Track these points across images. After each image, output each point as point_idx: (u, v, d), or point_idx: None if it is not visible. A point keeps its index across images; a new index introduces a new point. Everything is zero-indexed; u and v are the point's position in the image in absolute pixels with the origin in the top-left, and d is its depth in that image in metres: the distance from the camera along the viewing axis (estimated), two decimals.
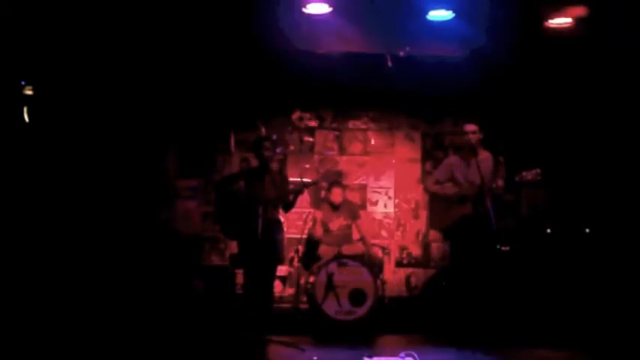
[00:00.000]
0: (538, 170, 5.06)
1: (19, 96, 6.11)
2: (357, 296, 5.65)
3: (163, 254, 6.76)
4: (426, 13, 5.38)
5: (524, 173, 5.10)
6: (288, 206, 5.43)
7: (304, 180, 5.57)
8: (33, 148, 6.03)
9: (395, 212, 7.36)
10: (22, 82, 6.13)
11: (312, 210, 6.83)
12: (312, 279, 5.80)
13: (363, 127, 7.46)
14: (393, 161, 7.42)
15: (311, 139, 7.36)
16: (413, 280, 7.25)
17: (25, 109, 6.10)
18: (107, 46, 5.91)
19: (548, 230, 6.84)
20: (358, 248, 6.31)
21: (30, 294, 5.46)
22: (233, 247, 5.87)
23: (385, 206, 7.37)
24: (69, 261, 6.03)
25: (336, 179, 5.52)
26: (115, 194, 6.62)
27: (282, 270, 6.75)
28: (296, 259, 6.28)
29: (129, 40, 5.85)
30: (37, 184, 5.99)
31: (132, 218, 6.69)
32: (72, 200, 6.30)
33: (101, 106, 6.56)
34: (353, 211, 6.54)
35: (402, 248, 7.31)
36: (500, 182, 5.21)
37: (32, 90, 6.15)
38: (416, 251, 7.33)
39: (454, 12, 5.35)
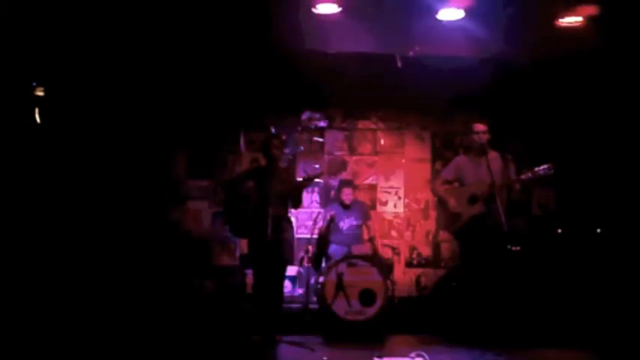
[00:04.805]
0: (550, 165, 5.00)
1: (31, 97, 6.16)
2: (366, 296, 5.64)
3: (174, 254, 6.80)
4: (436, 12, 5.36)
5: (536, 169, 5.05)
6: (296, 202, 5.44)
7: (308, 173, 5.56)
8: (44, 148, 6.07)
9: (405, 212, 7.35)
10: (34, 84, 6.17)
11: (321, 210, 6.83)
12: (321, 279, 5.80)
13: (373, 127, 7.45)
14: (403, 161, 7.40)
15: (321, 140, 7.36)
16: (423, 280, 7.23)
17: (36, 110, 6.14)
18: (118, 47, 5.94)
19: (559, 230, 6.81)
20: (368, 248, 6.30)
21: (39, 293, 5.50)
22: (244, 247, 5.88)
23: (395, 206, 7.36)
24: (79, 261, 6.07)
25: (340, 169, 5.48)
26: (125, 195, 6.66)
27: (291, 270, 6.75)
28: (306, 259, 6.28)
29: (139, 41, 5.87)
30: (48, 184, 6.03)
31: (142, 219, 6.72)
32: (82, 200, 6.34)
33: (112, 107, 6.60)
34: (363, 211, 6.53)
35: (412, 248, 7.30)
36: (511, 182, 5.19)
37: (44, 91, 6.19)
38: (426, 251, 7.31)
39: (464, 11, 5.33)
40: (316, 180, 5.92)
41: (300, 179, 5.56)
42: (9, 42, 5.41)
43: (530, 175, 5.07)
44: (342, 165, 5.47)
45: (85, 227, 6.28)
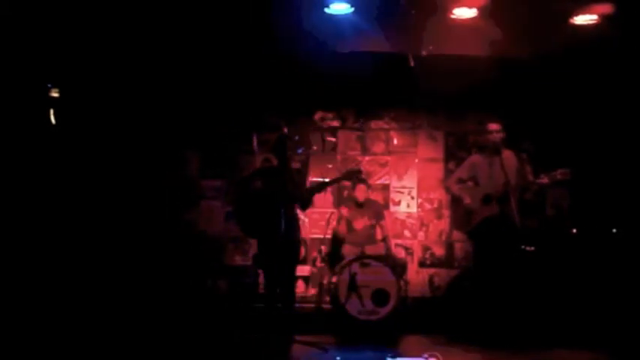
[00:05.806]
0: (567, 170, 5.00)
1: (46, 98, 6.21)
2: (380, 296, 5.64)
3: (187, 254, 6.83)
4: (449, 12, 5.35)
5: (553, 173, 5.04)
6: (305, 204, 5.44)
7: (325, 179, 5.56)
8: (59, 149, 6.12)
9: (418, 212, 7.33)
10: (49, 85, 6.22)
11: (335, 210, 6.82)
12: (334, 279, 5.80)
13: (386, 126, 7.43)
14: (416, 161, 7.39)
15: (333, 140, 7.36)
16: (436, 280, 7.21)
17: (51, 112, 6.20)
18: (131, 49, 5.98)
19: (574, 230, 6.76)
20: (381, 248, 6.30)
21: (54, 292, 5.56)
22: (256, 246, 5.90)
23: (408, 206, 7.33)
24: (94, 259, 6.12)
25: (357, 177, 5.47)
26: (139, 195, 6.70)
27: (305, 270, 6.76)
28: (319, 259, 6.27)
29: (153, 43, 5.90)
30: (63, 184, 6.08)
31: (156, 218, 6.76)
32: (97, 200, 6.39)
33: (126, 108, 6.64)
34: (377, 211, 6.53)
35: (425, 248, 7.28)
36: (528, 184, 5.17)
37: (59, 92, 6.24)
38: (439, 251, 7.29)
39: (477, 11, 5.30)
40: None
41: (318, 180, 5.53)
42: (24, 44, 5.46)
43: (547, 180, 5.07)
44: (359, 172, 5.48)
45: (100, 227, 6.33)
